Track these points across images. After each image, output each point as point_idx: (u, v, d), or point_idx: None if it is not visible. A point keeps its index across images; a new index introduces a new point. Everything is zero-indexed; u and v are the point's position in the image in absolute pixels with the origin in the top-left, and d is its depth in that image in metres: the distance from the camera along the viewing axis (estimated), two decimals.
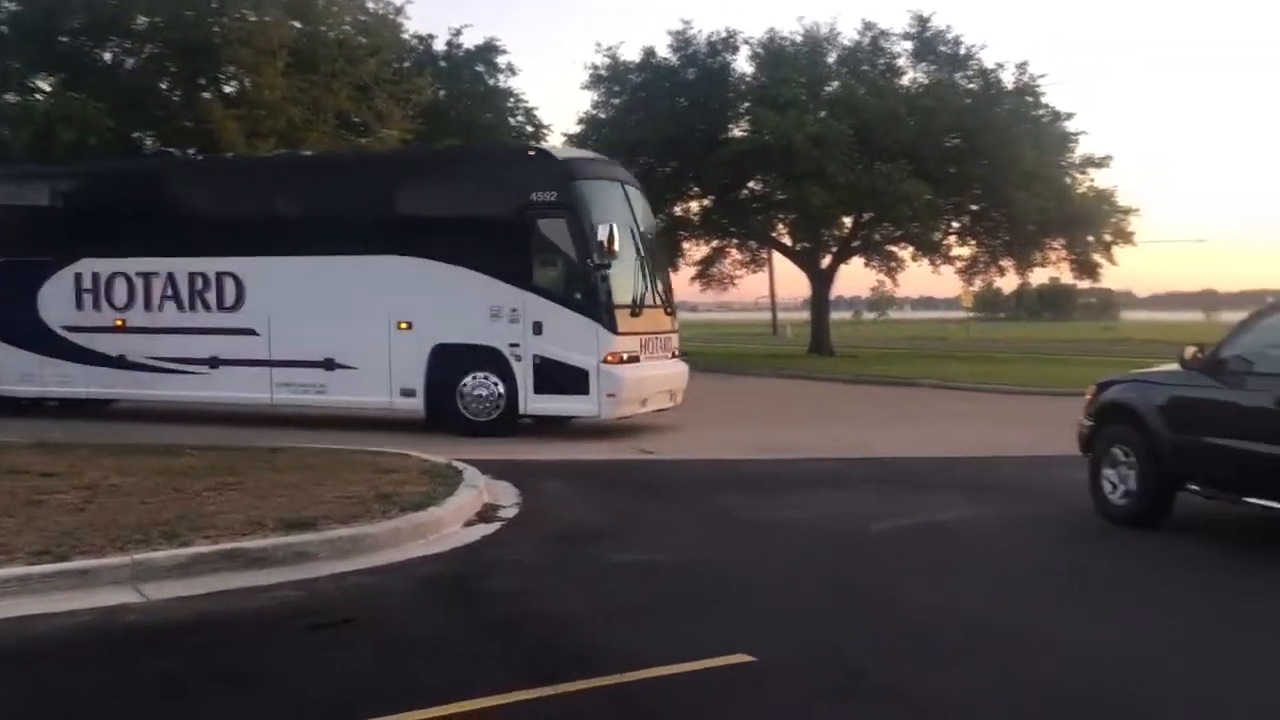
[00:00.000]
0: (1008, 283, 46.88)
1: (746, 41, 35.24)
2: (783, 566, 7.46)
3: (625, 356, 13.81)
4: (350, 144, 22.27)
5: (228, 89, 24.94)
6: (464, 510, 8.65)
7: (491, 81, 28.77)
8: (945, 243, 37.41)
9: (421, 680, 5.02)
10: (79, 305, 15.65)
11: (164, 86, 25.16)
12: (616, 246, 13.22)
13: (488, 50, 28.75)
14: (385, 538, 7.60)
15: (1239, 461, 7.66)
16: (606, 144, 34.46)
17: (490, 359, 13.89)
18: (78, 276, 15.67)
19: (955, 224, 36.94)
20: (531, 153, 15.18)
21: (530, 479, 10.51)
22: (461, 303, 13.97)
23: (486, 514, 8.85)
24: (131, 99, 23.28)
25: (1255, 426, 7.50)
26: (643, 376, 14.21)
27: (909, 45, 35.22)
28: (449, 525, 8.25)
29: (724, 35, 35.02)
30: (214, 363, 15.06)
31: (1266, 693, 4.97)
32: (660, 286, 15.06)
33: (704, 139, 33.33)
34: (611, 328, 13.64)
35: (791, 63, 33.58)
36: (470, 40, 29.87)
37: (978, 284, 45.01)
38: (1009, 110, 32.98)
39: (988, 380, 25.81)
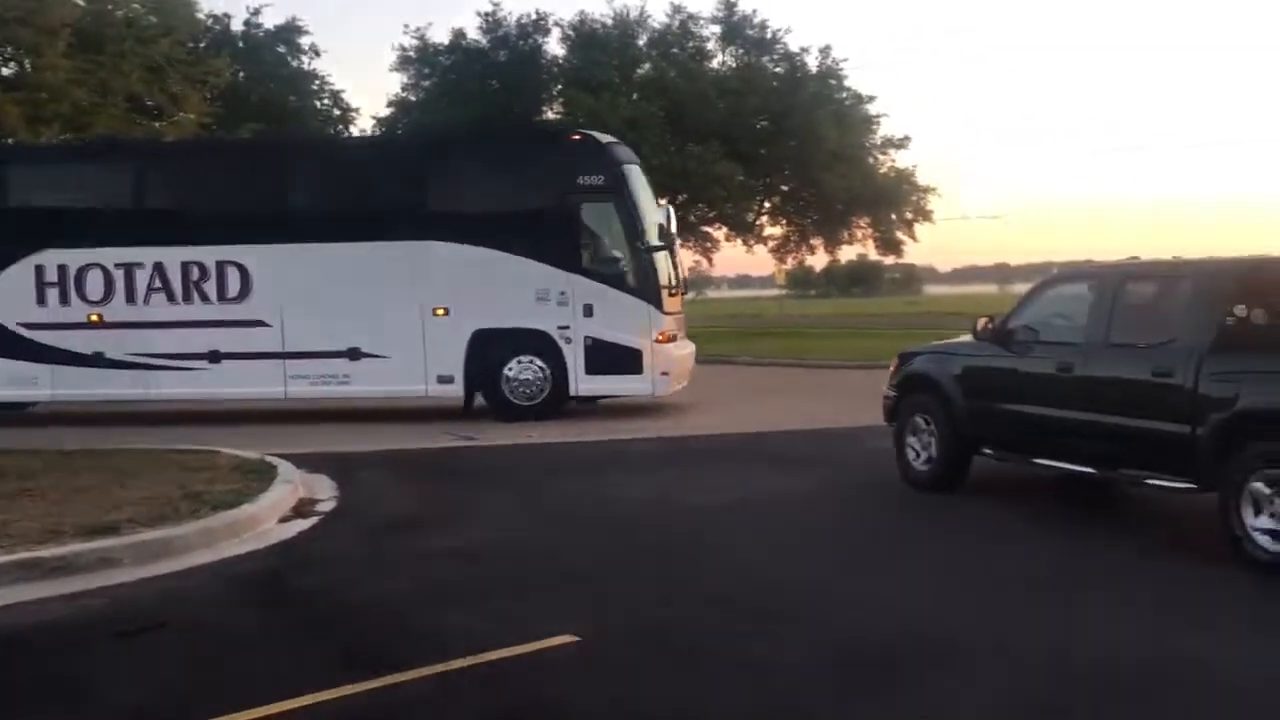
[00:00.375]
0: (819, 260, 48.44)
1: (557, 24, 35.25)
2: (600, 544, 7.57)
3: (672, 336, 14.26)
4: (143, 128, 21.20)
5: (4, 71, 23.38)
6: (279, 506, 8.42)
7: (294, 63, 27.85)
8: (758, 222, 38.36)
9: (242, 681, 4.91)
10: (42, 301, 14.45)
11: None
12: (674, 228, 13.77)
13: (289, 30, 27.84)
14: (196, 538, 7.33)
15: (1026, 425, 8.18)
16: (417, 127, 34.01)
17: (537, 343, 13.89)
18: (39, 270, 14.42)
19: (767, 204, 37.92)
20: (576, 136, 14.93)
21: (346, 471, 10.30)
22: (504, 288, 13.87)
23: (303, 509, 8.63)
24: None
25: (1040, 391, 8.02)
26: (685, 354, 14.93)
27: (717, 29, 35.88)
28: (264, 522, 8.02)
29: (535, 17, 34.93)
30: (215, 356, 14.28)
31: (1046, 637, 5.35)
32: (679, 268, 15.34)
33: (518, 121, 33.13)
34: (661, 308, 14.01)
35: (603, 45, 33.76)
36: (270, 20, 28.82)
37: (790, 262, 46.33)
38: (814, 93, 34.01)
39: (799, 355, 26.64)
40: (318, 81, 29.00)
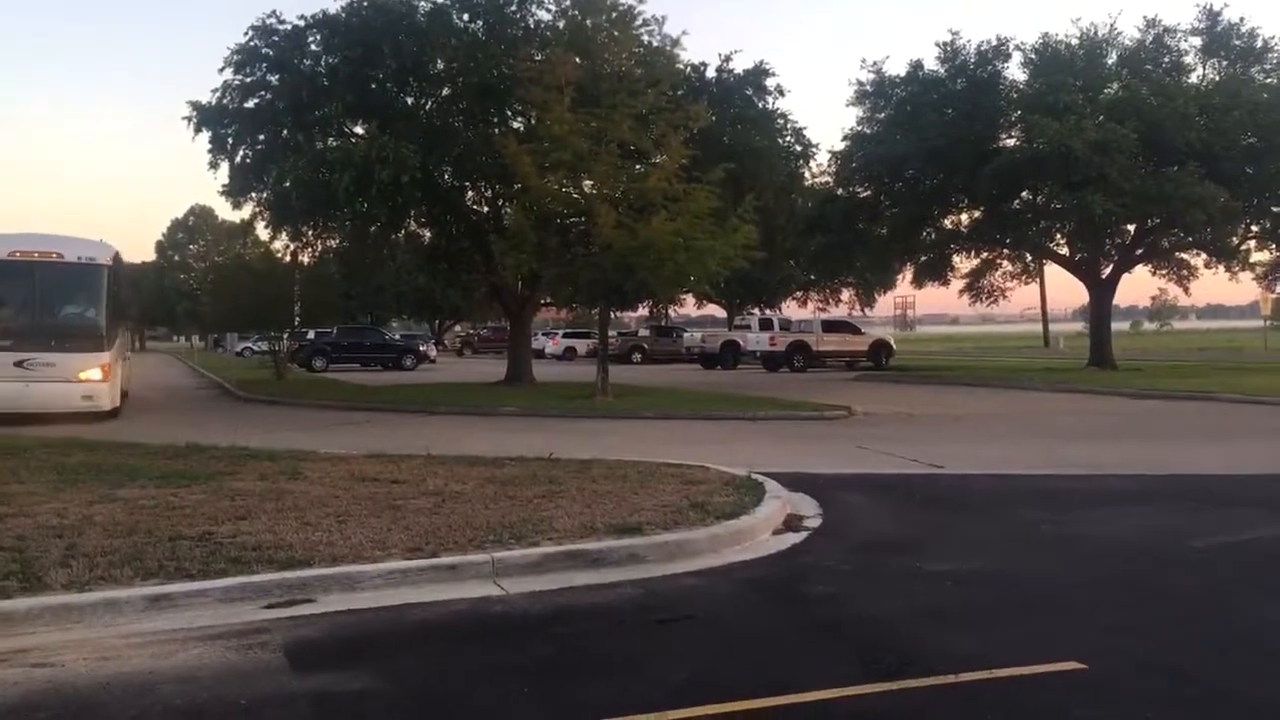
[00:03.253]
0: None
1: (1018, 48, 34.43)
2: (1096, 578, 7.49)
3: None
4: (629, 172, 23.31)
5: (516, 124, 26.67)
6: (773, 519, 9.13)
7: (761, 104, 29.33)
8: (1243, 248, 35.09)
9: (767, 670, 5.50)
10: None
11: (459, 125, 27.12)
12: None
13: (757, 74, 29.33)
14: (705, 543, 8.18)
15: None
16: (871, 159, 34.54)
17: None
18: None
19: (1255, 227, 34.61)
20: None
21: (824, 492, 10.86)
22: None
23: (792, 523, 9.28)
24: (432, 139, 25.28)
25: None
26: None
27: (1197, 41, 33.40)
28: (760, 533, 8.75)
29: (994, 43, 34.30)
30: None
31: None
32: None
33: (973, 150, 32.65)
34: None
35: (1067, 67, 32.48)
36: (740, 65, 30.57)
37: (1278, 290, 41.85)
38: None
39: None
40: (782, 119, 30.35)
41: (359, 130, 26.77)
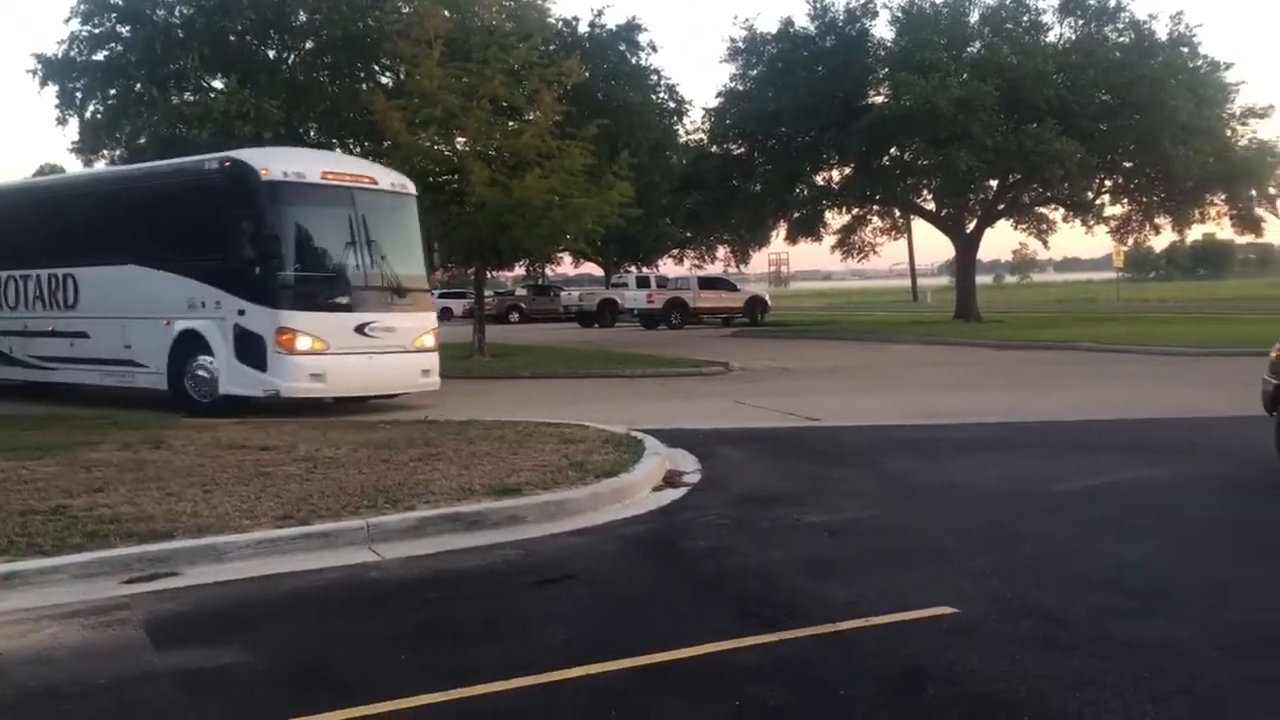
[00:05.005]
0: (1159, 241, 45.50)
1: (885, 6, 34.99)
2: (966, 525, 7.69)
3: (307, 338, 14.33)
4: (501, 128, 22.91)
5: (385, 80, 25.96)
6: (653, 476, 9.12)
7: (634, 60, 29.19)
8: (1098, 202, 36.47)
9: (650, 627, 5.48)
10: None
11: (324, 80, 26.28)
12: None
13: (629, 29, 29.19)
14: (586, 502, 8.12)
15: None
16: (744, 115, 34.74)
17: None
18: None
19: (1108, 182, 35.99)
20: (226, 162, 14.95)
21: (703, 447, 10.91)
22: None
23: (672, 479, 9.29)
24: (296, 94, 24.44)
25: None
26: (347, 362, 14.79)
27: (1054, 1, 34.35)
28: (640, 490, 8.73)
29: (863, 1, 34.74)
30: None
31: None
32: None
33: (843, 107, 33.14)
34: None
35: (932, 25, 33.15)
36: (612, 20, 30.35)
37: (1130, 243, 43.71)
38: (1163, 63, 31.91)
39: (1145, 341, 25.22)
40: (655, 76, 30.29)
41: (218, 84, 25.66)
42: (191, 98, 24.45)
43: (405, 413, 13.69)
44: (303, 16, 25.13)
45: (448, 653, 5.16)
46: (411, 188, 16.18)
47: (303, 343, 13.96)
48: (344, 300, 14.59)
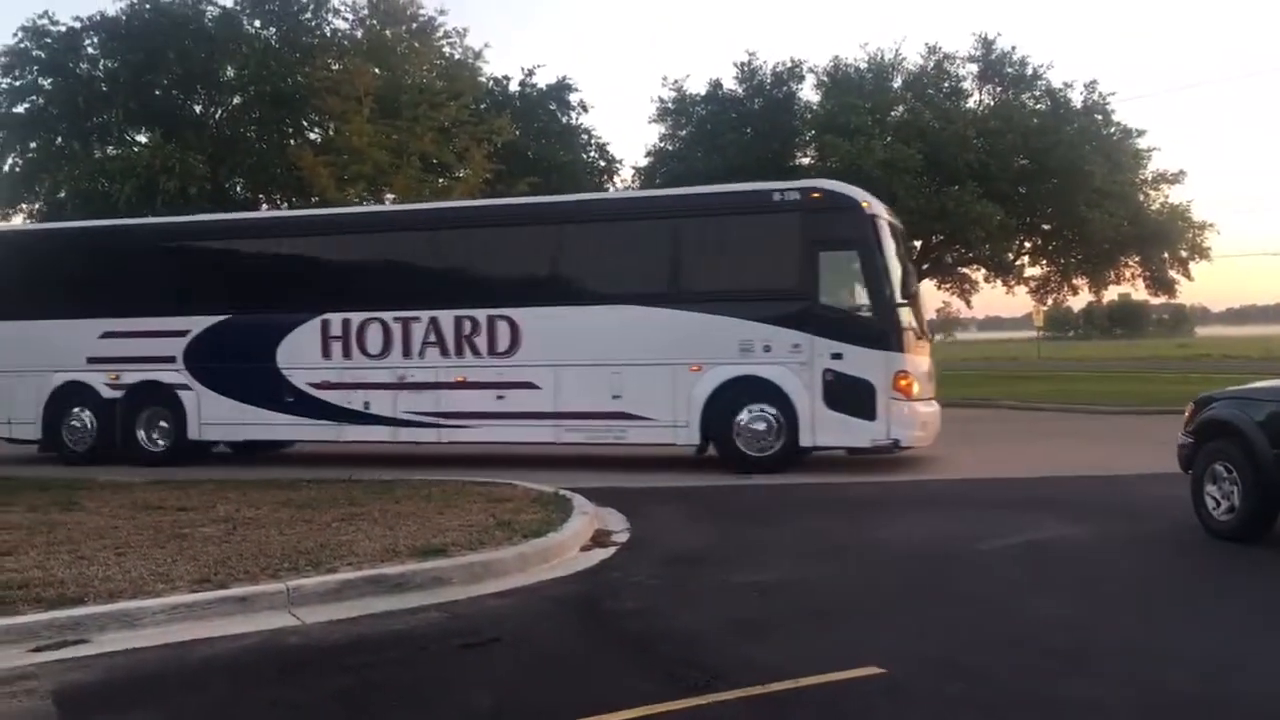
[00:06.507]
0: (1078, 301, 46.60)
1: (811, 70, 35.63)
2: (893, 583, 7.71)
3: (919, 386, 13.69)
4: (431, 186, 22.92)
5: (313, 136, 25.87)
6: (581, 535, 9.04)
7: (565, 119, 29.42)
8: (1018, 263, 37.34)
9: (575, 694, 5.38)
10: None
11: (251, 135, 26.11)
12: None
13: (560, 89, 29.49)
14: (513, 562, 8.00)
15: None
16: (674, 176, 35.08)
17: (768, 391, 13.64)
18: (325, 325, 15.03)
19: (1028, 244, 36.90)
20: (817, 194, 13.87)
21: (632, 505, 10.85)
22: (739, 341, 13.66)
23: (600, 539, 9.21)
24: (222, 149, 24.23)
25: None
26: (932, 411, 14.23)
27: (974, 68, 35.34)
28: (568, 550, 8.64)
29: (789, 65, 35.44)
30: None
31: None
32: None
33: (772, 168, 33.51)
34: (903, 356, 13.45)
35: (857, 89, 33.83)
36: (543, 79, 30.62)
37: (1049, 303, 44.72)
38: (1078, 129, 32.91)
39: (1066, 399, 25.74)
40: (585, 135, 30.55)
41: (142, 139, 25.37)
42: (114, 151, 24.12)
43: (373, 470, 13.41)
44: (230, 72, 25.02)
45: None
46: None
47: (915, 388, 13.32)
48: (924, 343, 14.20)
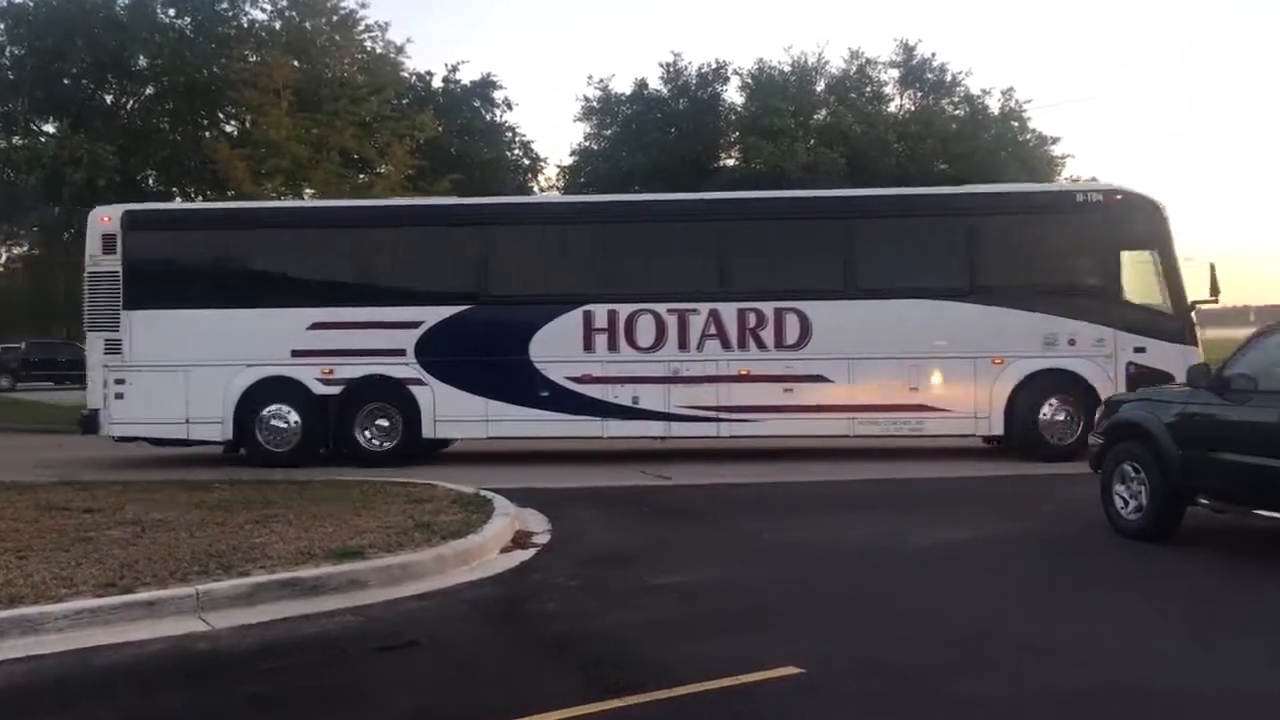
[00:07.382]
0: None
1: (736, 72, 35.95)
2: (811, 583, 7.75)
3: None
4: (351, 181, 22.58)
5: (229, 128, 25.33)
6: (501, 537, 8.95)
7: (489, 116, 29.21)
8: None
9: (493, 697, 5.31)
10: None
11: (165, 127, 25.49)
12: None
13: (484, 85, 29.27)
14: (432, 564, 7.89)
15: (1246, 475, 8.00)
16: (599, 175, 35.09)
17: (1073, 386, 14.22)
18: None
19: None
20: (1119, 195, 14.51)
21: (554, 506, 10.79)
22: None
23: (521, 540, 9.14)
24: (134, 140, 23.61)
25: (1261, 440, 7.86)
26: None
27: (895, 73, 35.92)
28: (489, 552, 8.55)
29: (714, 66, 35.71)
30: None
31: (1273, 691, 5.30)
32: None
33: (695, 168, 33.76)
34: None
35: (780, 92, 34.16)
36: (467, 76, 30.35)
37: None
38: (995, 135, 33.61)
39: None
40: (510, 133, 30.36)
41: (49, 129, 24.64)
42: (20, 141, 23.36)
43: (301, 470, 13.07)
44: (143, 61, 24.38)
45: None
46: None
47: None
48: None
